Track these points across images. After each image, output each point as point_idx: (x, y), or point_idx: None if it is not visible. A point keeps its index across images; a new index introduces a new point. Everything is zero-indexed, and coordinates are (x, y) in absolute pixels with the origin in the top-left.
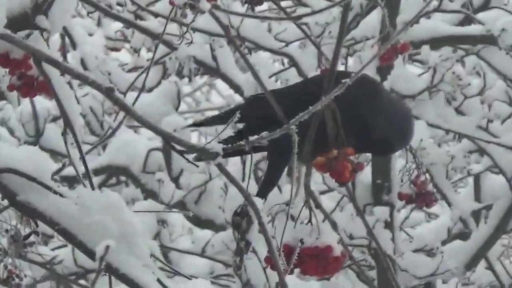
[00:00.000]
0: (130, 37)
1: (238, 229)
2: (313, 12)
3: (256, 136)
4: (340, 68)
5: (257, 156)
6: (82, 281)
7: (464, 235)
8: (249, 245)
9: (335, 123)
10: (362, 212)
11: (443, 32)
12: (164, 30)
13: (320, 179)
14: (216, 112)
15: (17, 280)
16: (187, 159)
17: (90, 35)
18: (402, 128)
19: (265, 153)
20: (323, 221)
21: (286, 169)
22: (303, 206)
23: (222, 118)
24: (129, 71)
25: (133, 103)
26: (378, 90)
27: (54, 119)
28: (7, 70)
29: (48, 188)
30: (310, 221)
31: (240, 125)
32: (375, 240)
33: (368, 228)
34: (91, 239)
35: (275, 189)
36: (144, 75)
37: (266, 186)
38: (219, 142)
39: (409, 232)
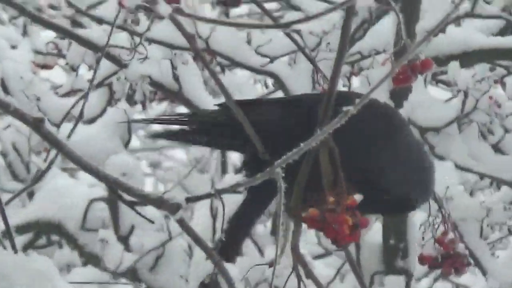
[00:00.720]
0: (65, 51)
1: None
2: (307, 18)
3: (229, 183)
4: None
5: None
6: None
7: None
8: None
9: (333, 166)
10: (364, 283)
11: (477, 44)
12: (108, 41)
13: (315, 238)
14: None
15: None
16: (139, 213)
17: (13, 47)
18: (424, 181)
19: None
20: None
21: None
22: (290, 274)
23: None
24: (64, 95)
25: (68, 137)
26: (395, 125)
27: None
28: None
29: None
30: None
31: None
32: None
33: None
34: None
35: (256, 251)
36: (83, 100)
37: (232, 238)
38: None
39: None
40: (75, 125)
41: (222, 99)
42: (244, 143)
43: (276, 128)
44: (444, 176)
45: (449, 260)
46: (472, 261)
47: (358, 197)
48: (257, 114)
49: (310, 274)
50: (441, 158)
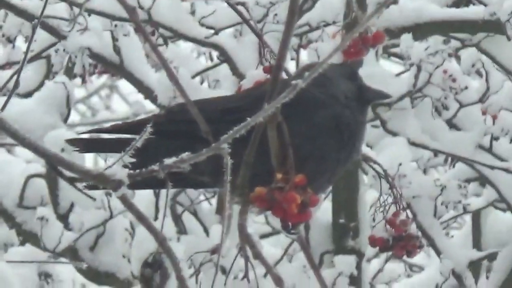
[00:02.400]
0: (1, 22)
1: (149, 285)
2: None
3: (174, 159)
4: (289, 64)
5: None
6: None
7: None
8: None
9: (281, 142)
10: (315, 263)
11: (430, 15)
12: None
13: (262, 217)
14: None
15: None
16: (79, 189)
17: None
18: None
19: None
20: (265, 275)
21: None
22: (237, 255)
23: (131, 128)
24: (0, 67)
25: (2, 109)
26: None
27: None
28: None
29: None
30: (246, 275)
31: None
32: None
33: (324, 286)
34: None
35: (201, 230)
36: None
37: None
38: (123, 166)
39: None
40: (9, 96)
41: (164, 74)
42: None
43: (218, 121)
44: (397, 153)
45: (401, 243)
46: (425, 243)
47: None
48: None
49: (258, 255)
50: (393, 133)
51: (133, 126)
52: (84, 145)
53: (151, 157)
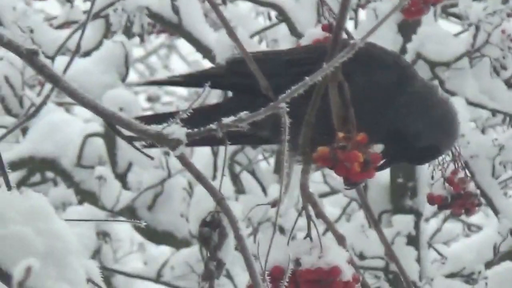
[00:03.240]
0: None
1: (207, 244)
2: None
3: (232, 118)
4: (348, 24)
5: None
6: None
7: None
8: (222, 267)
9: (343, 101)
10: (377, 222)
11: None
12: None
13: (320, 177)
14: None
15: None
16: (137, 149)
17: None
18: (452, 128)
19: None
20: (324, 233)
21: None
22: (299, 213)
23: (192, 80)
24: (59, 27)
25: (64, 71)
26: (414, 74)
27: None
28: None
29: None
30: (309, 234)
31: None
32: (395, 261)
33: (385, 245)
34: (7, 258)
35: (259, 190)
36: (79, 33)
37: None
38: (182, 125)
39: (441, 250)
40: (72, 59)
41: (223, 33)
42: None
43: (281, 74)
44: None
45: (459, 200)
46: (483, 201)
47: (378, 148)
48: (262, 61)
49: (320, 214)
50: (451, 93)
51: (192, 78)
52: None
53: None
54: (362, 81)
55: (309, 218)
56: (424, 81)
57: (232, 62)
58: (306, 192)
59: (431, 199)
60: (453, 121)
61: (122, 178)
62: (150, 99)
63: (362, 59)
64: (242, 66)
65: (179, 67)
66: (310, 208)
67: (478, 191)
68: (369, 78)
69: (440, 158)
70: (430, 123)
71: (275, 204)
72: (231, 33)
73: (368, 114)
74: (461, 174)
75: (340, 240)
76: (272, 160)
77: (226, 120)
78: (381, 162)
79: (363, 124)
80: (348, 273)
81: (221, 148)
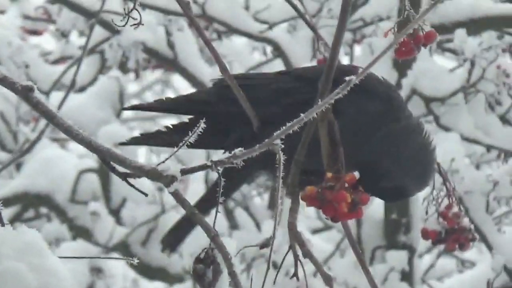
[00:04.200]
0: (55, 16)
1: (201, 281)
2: None
3: (227, 154)
4: (343, 59)
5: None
6: None
7: None
8: None
9: (332, 140)
10: (364, 261)
11: (484, 10)
12: (101, 7)
13: (314, 212)
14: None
15: None
16: (131, 185)
17: (1, 12)
18: (424, 174)
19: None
20: (315, 274)
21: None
22: (286, 253)
23: (177, 107)
24: (54, 62)
25: (59, 107)
26: (397, 106)
27: None
28: None
29: None
30: (295, 274)
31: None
32: None
33: (371, 284)
34: None
35: (252, 225)
36: (74, 68)
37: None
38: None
39: (435, 286)
40: (67, 94)
41: (217, 68)
42: (236, 120)
43: (271, 103)
44: (450, 148)
45: (454, 235)
46: (477, 237)
47: (354, 175)
48: (251, 88)
49: (307, 253)
50: (446, 129)
51: (180, 104)
52: (136, 141)
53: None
54: (350, 111)
55: (296, 257)
56: (412, 118)
57: (220, 86)
58: (293, 231)
59: (425, 234)
60: (427, 167)
61: (116, 213)
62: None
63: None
64: (231, 91)
65: None
66: (297, 247)
67: (472, 226)
68: (356, 107)
69: (435, 193)
70: (400, 166)
71: (264, 245)
72: (224, 70)
73: (349, 142)
74: (455, 209)
75: (327, 280)
76: (266, 196)
77: (221, 156)
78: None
79: (346, 155)
80: None
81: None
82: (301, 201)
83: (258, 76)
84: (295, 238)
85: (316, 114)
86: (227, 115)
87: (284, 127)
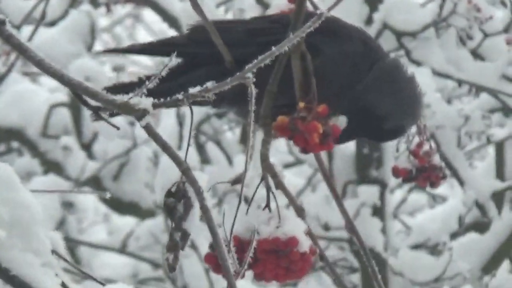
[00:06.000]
0: None
1: (172, 215)
2: None
3: (198, 88)
4: None
5: (199, 115)
6: None
7: (481, 226)
8: (186, 238)
9: (305, 72)
10: (338, 195)
11: None
12: None
13: (286, 147)
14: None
15: None
16: (103, 118)
17: None
18: (418, 107)
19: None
20: (287, 206)
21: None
22: (259, 184)
23: (153, 48)
24: None
25: (29, 40)
26: (379, 48)
27: None
28: None
29: None
30: (268, 205)
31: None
32: (355, 234)
33: (345, 217)
34: None
35: (224, 161)
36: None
37: None
38: (147, 94)
39: (406, 221)
40: (37, 27)
41: (188, 2)
42: (209, 60)
43: (245, 43)
44: (421, 83)
45: (424, 173)
46: (448, 173)
47: (342, 120)
48: (225, 30)
49: (280, 185)
50: (418, 63)
51: (153, 47)
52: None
53: (176, 84)
54: (329, 52)
55: (268, 189)
56: (389, 56)
57: (194, 31)
58: (266, 162)
59: (396, 172)
60: (419, 101)
61: (87, 148)
62: (115, 68)
63: (327, 30)
64: (204, 34)
65: (145, 37)
66: (270, 179)
67: (443, 164)
68: (336, 49)
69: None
70: (399, 105)
71: (236, 181)
72: (195, 5)
73: (335, 85)
74: (426, 147)
75: (299, 212)
76: (237, 131)
77: (192, 90)
78: (341, 134)
79: (329, 95)
80: (305, 244)
81: (187, 118)
82: (273, 133)
83: (233, 20)
84: (268, 169)
85: (288, 47)
86: (200, 56)
87: (255, 61)
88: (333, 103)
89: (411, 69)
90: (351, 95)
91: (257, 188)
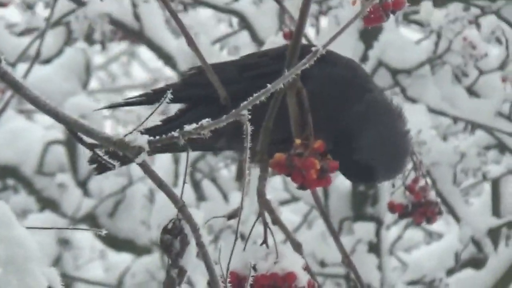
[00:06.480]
0: None
1: (168, 252)
2: None
3: (194, 125)
4: (309, 31)
5: (195, 152)
6: None
7: (477, 262)
8: (183, 274)
9: (301, 108)
10: (334, 230)
11: None
12: None
13: (281, 184)
14: (140, 91)
15: None
16: (99, 156)
17: None
18: (398, 162)
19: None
20: (284, 242)
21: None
22: (256, 220)
23: (149, 98)
24: (20, 34)
25: (25, 77)
26: (368, 78)
27: None
28: None
29: None
30: (265, 241)
31: (172, 109)
32: (352, 269)
33: (342, 252)
34: None
35: (220, 198)
36: (40, 40)
37: None
38: (143, 133)
39: (402, 257)
40: (32, 65)
41: (183, 40)
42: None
43: (238, 80)
44: (416, 120)
45: (420, 209)
46: (444, 209)
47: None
48: (219, 69)
49: (277, 221)
50: (413, 100)
51: (150, 97)
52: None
53: (174, 125)
54: (318, 77)
55: (265, 224)
56: (380, 88)
57: (188, 76)
58: (263, 199)
59: (392, 208)
60: (402, 156)
61: (83, 185)
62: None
63: (318, 58)
64: (198, 77)
65: (140, 74)
66: (267, 215)
67: (439, 200)
68: (326, 73)
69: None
70: (379, 143)
71: (232, 216)
72: (191, 42)
73: (323, 112)
74: (422, 182)
75: (297, 247)
76: (233, 168)
77: (188, 127)
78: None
79: (316, 122)
80: (303, 279)
81: (182, 156)
82: (269, 169)
83: (225, 61)
84: (265, 205)
85: (283, 84)
86: (196, 97)
87: (251, 98)
88: (319, 130)
89: (406, 106)
90: (338, 120)
91: (254, 224)
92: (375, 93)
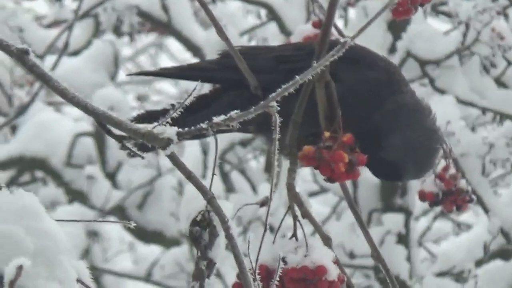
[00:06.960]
0: None
1: (197, 244)
2: None
3: (223, 117)
4: (338, 22)
5: (224, 144)
6: None
7: (506, 253)
8: (212, 266)
9: (330, 101)
10: (363, 222)
11: None
12: None
13: (310, 176)
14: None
15: None
16: (128, 148)
17: None
18: (425, 163)
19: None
20: (313, 234)
21: (263, 163)
22: (285, 213)
23: (183, 72)
24: (48, 26)
25: (53, 69)
26: (402, 81)
27: None
28: None
29: None
30: (294, 234)
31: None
32: (381, 262)
33: (371, 245)
34: None
35: (249, 189)
36: (68, 32)
37: None
38: (172, 123)
39: (431, 248)
40: (60, 57)
41: (213, 31)
42: (235, 86)
43: (271, 70)
44: (445, 111)
45: (451, 197)
46: (474, 198)
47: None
48: (252, 56)
49: (306, 214)
50: (441, 91)
51: (185, 70)
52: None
53: (201, 115)
54: (351, 79)
55: (295, 217)
56: (412, 91)
57: (224, 56)
58: (292, 191)
59: (423, 196)
60: (430, 158)
61: (112, 177)
62: (139, 98)
63: (351, 58)
64: (234, 60)
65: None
66: (296, 208)
67: (469, 187)
68: (358, 76)
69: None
70: (408, 144)
71: (263, 203)
72: (221, 32)
73: (354, 112)
74: (452, 171)
75: (326, 240)
76: (262, 159)
77: (217, 119)
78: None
79: (347, 121)
80: (333, 273)
81: (211, 147)
82: (298, 162)
83: (260, 47)
84: (294, 198)
85: (312, 76)
86: (227, 81)
87: (280, 89)
88: (349, 129)
89: (435, 97)
90: (368, 121)
91: (283, 217)
92: (407, 95)
